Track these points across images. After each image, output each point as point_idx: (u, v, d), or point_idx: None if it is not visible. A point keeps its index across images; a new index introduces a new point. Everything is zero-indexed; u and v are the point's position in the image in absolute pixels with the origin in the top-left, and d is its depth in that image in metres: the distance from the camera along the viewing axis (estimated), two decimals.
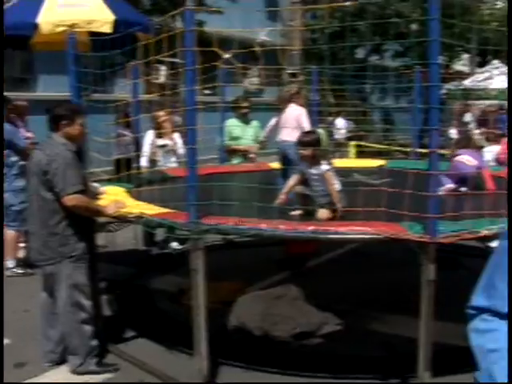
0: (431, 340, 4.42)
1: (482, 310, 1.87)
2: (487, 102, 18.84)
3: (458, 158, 7.07)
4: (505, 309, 1.79)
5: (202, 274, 4.69)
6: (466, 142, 7.93)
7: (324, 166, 5.47)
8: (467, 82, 20.06)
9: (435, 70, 4.12)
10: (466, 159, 7.03)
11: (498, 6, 29.45)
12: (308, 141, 5.55)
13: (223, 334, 5.68)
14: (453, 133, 14.71)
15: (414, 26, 22.62)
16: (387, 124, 20.51)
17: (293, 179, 5.70)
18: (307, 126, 7.60)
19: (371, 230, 4.29)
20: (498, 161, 9.94)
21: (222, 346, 5.40)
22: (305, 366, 5.27)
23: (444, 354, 4.69)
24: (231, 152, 9.73)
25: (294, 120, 7.74)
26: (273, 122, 8.56)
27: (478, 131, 16.49)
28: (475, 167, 6.92)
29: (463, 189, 6.63)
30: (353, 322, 5.94)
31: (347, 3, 14.45)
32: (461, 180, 6.61)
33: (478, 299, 1.90)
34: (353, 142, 15.07)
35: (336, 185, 5.48)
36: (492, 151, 10.42)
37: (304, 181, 5.63)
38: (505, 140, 9.82)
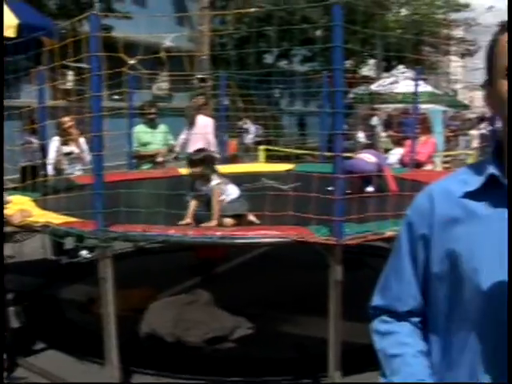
0: (340, 340, 4.50)
1: (380, 310, 1.92)
2: (393, 106, 19.32)
3: (358, 156, 7.28)
4: (402, 308, 1.85)
5: (110, 282, 4.65)
6: (367, 144, 8.22)
7: (213, 182, 5.57)
8: (374, 87, 20.49)
9: (339, 76, 4.20)
10: (367, 157, 7.25)
11: (403, 13, 30.28)
12: (197, 159, 5.62)
13: (135, 342, 5.63)
14: (360, 136, 15.04)
15: (321, 32, 23.00)
16: (301, 128, 20.77)
17: (192, 204, 5.73)
18: (212, 138, 7.66)
19: (278, 234, 4.35)
20: (402, 163, 10.23)
21: (133, 354, 5.35)
22: (218, 370, 5.29)
23: (354, 353, 4.79)
24: (140, 158, 9.65)
25: (202, 131, 7.79)
26: (184, 135, 8.57)
27: (384, 134, 16.93)
28: (375, 165, 7.14)
29: (370, 189, 6.79)
30: (264, 325, 5.98)
31: (252, 10, 14.60)
32: (361, 177, 6.74)
33: (376, 299, 1.94)
34: (262, 147, 15.18)
35: (230, 196, 5.58)
36: (396, 153, 10.73)
37: (200, 197, 5.71)
38: (409, 142, 10.12)
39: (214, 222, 5.39)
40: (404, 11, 30.40)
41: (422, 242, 1.82)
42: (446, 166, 15.31)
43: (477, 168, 1.80)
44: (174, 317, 5.79)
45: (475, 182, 1.74)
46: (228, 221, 5.43)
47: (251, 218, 5.70)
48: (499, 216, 1.67)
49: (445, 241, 1.75)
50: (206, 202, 5.67)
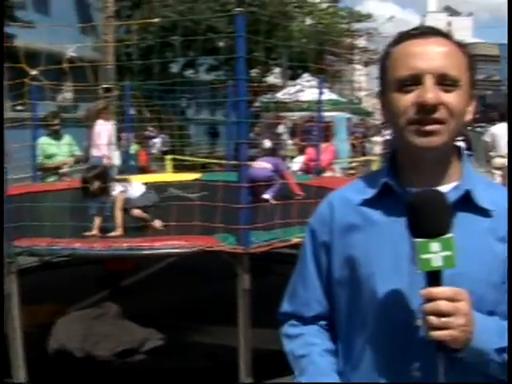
0: (250, 347, 4.55)
1: (289, 316, 1.97)
2: (299, 114, 19.61)
3: (253, 164, 7.39)
4: (309, 313, 1.91)
5: (16, 298, 4.54)
6: (269, 151, 8.31)
7: (115, 192, 5.55)
8: (279, 95, 20.75)
9: (242, 85, 4.24)
10: (261, 164, 7.38)
11: (307, 23, 30.78)
12: (92, 176, 5.58)
13: (43, 358, 5.51)
14: (267, 144, 15.16)
15: (226, 41, 23.11)
16: (212, 137, 20.75)
17: (97, 217, 5.68)
18: (104, 142, 7.58)
19: (186, 244, 4.36)
20: (304, 170, 10.41)
21: (42, 371, 5.23)
22: (128, 383, 5.24)
23: (265, 359, 4.84)
24: (45, 170, 9.46)
25: (98, 135, 7.71)
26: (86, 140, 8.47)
27: (290, 142, 17.16)
28: (270, 171, 7.28)
29: (267, 196, 6.89)
30: (175, 336, 5.95)
31: (156, 20, 14.56)
32: (260, 185, 6.82)
33: (285, 305, 1.99)
34: (169, 156, 15.13)
35: (135, 194, 5.59)
36: (298, 161, 10.92)
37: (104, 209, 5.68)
38: (310, 150, 10.30)
39: (118, 231, 5.36)
40: (308, 21, 30.91)
41: (323, 248, 1.88)
42: (352, 172, 15.65)
43: (373, 177, 1.87)
44: (83, 331, 5.70)
45: (371, 190, 1.81)
46: (137, 212, 5.41)
47: (156, 224, 5.68)
48: (393, 223, 1.74)
49: (344, 247, 1.82)
50: (110, 213, 5.64)
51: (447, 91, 1.67)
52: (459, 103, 1.69)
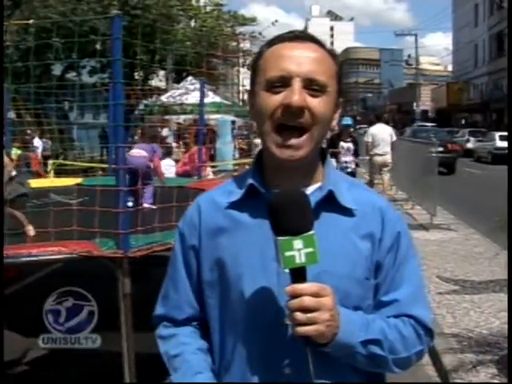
0: (134, 351, 4.53)
1: (162, 319, 1.99)
2: (183, 117, 19.60)
3: (130, 152, 7.41)
4: (181, 316, 1.93)
5: None
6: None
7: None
8: (164, 98, 20.64)
9: (119, 88, 4.21)
10: (137, 152, 7.44)
11: (192, 26, 30.73)
12: None
13: None
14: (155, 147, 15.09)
15: (109, 44, 22.74)
16: (104, 140, 20.30)
17: None
18: None
19: (64, 250, 4.30)
20: (178, 173, 10.45)
21: None
22: None
23: (149, 363, 4.83)
24: None
25: None
26: None
27: (175, 145, 17.13)
28: (146, 158, 7.34)
29: (146, 204, 6.89)
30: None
31: (31, 21, 14.18)
32: (132, 172, 6.82)
33: (158, 309, 2.01)
34: (51, 161, 14.80)
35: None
36: (173, 165, 10.97)
37: None
38: (186, 154, 10.37)
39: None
40: (193, 24, 30.87)
41: (192, 251, 1.90)
42: (236, 174, 15.76)
43: (241, 179, 1.90)
44: None
45: (238, 192, 1.84)
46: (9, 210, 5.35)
47: (30, 231, 5.58)
48: (259, 224, 1.77)
49: (213, 250, 1.84)
50: None
51: (314, 96, 1.72)
52: (325, 109, 1.74)
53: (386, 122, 17.42)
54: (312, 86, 1.72)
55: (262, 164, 1.87)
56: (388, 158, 14.95)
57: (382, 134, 15.00)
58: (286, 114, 1.70)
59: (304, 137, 1.72)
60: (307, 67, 1.72)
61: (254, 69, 1.84)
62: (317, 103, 1.72)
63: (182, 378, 1.83)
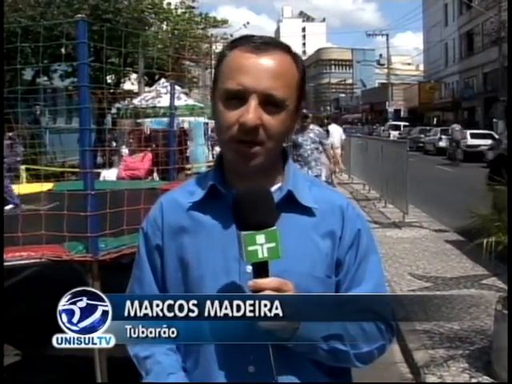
0: (106, 355, 4.52)
1: None
2: (156, 120, 19.50)
3: None
4: None
5: None
6: None
7: None
8: (136, 101, 20.55)
9: (85, 92, 4.22)
10: None
11: (164, 29, 30.66)
12: None
13: None
14: (124, 151, 15.02)
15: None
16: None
17: None
18: None
19: (33, 255, 4.27)
20: (121, 177, 10.50)
21: None
22: None
23: (122, 367, 4.82)
24: None
25: None
26: None
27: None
28: None
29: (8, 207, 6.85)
30: (31, 350, 5.82)
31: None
32: None
33: None
34: (23, 166, 14.67)
35: None
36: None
37: None
38: (128, 158, 10.41)
39: None
40: (164, 27, 30.79)
41: (156, 252, 1.90)
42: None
43: (203, 179, 1.90)
44: None
45: (200, 192, 1.85)
46: None
47: None
48: (221, 225, 1.79)
49: (176, 250, 1.85)
50: None
51: (271, 113, 1.73)
52: (280, 126, 1.75)
53: (340, 124, 24.19)
54: (269, 102, 1.73)
55: (223, 165, 1.89)
56: (339, 152, 18.28)
57: (335, 132, 19.38)
58: (242, 131, 1.71)
59: (258, 148, 1.74)
60: (265, 83, 1.72)
61: (216, 73, 1.84)
62: (273, 122, 1.73)
63: (155, 379, 1.84)
